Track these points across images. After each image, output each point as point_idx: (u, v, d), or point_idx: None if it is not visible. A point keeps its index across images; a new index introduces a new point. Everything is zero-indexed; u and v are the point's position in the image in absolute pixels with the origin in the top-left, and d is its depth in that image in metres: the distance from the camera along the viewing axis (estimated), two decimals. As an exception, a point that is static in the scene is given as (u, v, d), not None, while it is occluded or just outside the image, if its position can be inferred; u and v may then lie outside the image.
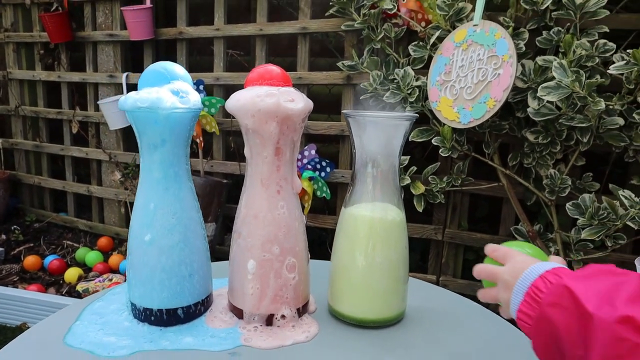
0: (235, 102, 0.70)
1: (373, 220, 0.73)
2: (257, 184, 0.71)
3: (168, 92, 0.68)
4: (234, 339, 0.69)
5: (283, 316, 0.72)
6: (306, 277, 0.76)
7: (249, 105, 0.67)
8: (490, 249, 0.60)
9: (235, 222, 0.75)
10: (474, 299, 0.92)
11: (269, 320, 0.72)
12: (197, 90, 2.04)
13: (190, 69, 2.29)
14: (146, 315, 0.72)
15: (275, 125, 0.68)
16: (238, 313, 0.74)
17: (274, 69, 0.73)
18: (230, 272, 0.75)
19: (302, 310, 0.75)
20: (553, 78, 1.30)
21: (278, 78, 0.72)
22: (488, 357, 0.70)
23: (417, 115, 0.74)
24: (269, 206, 0.70)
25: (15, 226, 2.80)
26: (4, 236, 2.70)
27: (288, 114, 0.68)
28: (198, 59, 2.47)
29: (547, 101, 1.36)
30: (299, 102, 0.69)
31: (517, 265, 0.53)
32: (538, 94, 1.26)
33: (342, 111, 0.75)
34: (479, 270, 0.59)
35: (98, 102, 2.36)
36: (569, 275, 0.47)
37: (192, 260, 0.72)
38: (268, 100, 0.67)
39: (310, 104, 0.71)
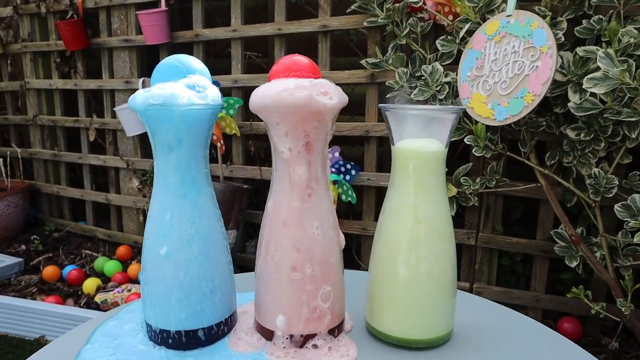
0: (259, 97, 0.61)
1: (417, 215, 0.65)
2: (285, 184, 0.63)
3: (183, 86, 0.60)
4: (261, 365, 0.61)
5: (315, 345, 0.63)
6: (341, 296, 0.67)
7: (276, 102, 0.59)
8: None
9: (260, 232, 0.66)
10: (516, 307, 0.83)
11: (302, 343, 0.64)
12: (215, 93, 1.98)
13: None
14: (163, 338, 0.64)
15: (306, 120, 0.60)
16: (266, 334, 0.65)
17: (302, 59, 0.64)
18: (256, 289, 0.67)
19: (337, 331, 0.67)
20: (595, 70, 1.20)
21: (307, 69, 0.63)
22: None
23: (464, 107, 0.65)
24: (300, 215, 0.62)
25: (34, 236, 2.77)
26: (23, 246, 2.67)
27: (321, 110, 0.59)
28: (215, 62, 2.41)
29: (590, 95, 1.26)
30: (333, 96, 0.60)
31: None
32: (584, 86, 1.16)
33: (379, 105, 0.67)
34: None
35: (114, 109, 2.32)
36: None
37: (213, 275, 0.64)
38: (298, 93, 0.59)
39: (345, 98, 0.63)
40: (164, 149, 0.62)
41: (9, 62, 2.88)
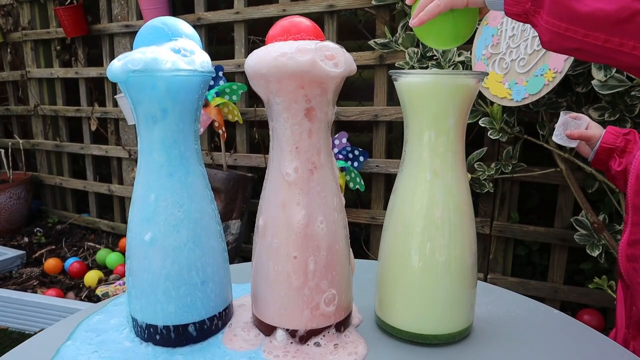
0: (254, 62, 0.54)
1: (433, 196, 0.57)
2: (286, 152, 0.55)
3: (167, 50, 0.53)
4: (259, 365, 0.54)
5: (318, 343, 0.56)
6: (348, 288, 0.60)
7: (274, 69, 0.52)
8: None
9: (257, 215, 0.59)
10: (532, 299, 0.76)
11: (304, 340, 0.57)
12: (216, 77, 1.90)
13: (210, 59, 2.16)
14: (150, 334, 0.58)
15: (307, 88, 0.52)
16: (265, 329, 0.59)
17: (303, 20, 0.57)
18: (253, 278, 0.60)
19: (344, 326, 0.60)
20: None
21: (308, 32, 0.56)
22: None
23: (487, 73, 0.58)
24: (303, 195, 0.54)
25: (38, 228, 2.73)
26: (26, 239, 2.63)
27: (323, 78, 0.52)
28: (218, 48, 2.34)
29: (616, 72, 1.17)
30: (340, 63, 0.53)
31: None
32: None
33: (390, 71, 0.59)
34: None
35: (115, 97, 2.26)
36: None
37: (204, 263, 0.57)
38: (300, 57, 0.51)
39: (353, 66, 0.55)
40: (148, 121, 0.55)
41: (9, 51, 2.82)
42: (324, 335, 0.57)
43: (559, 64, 1.19)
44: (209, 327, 0.59)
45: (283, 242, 0.55)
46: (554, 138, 1.03)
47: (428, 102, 0.56)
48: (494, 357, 0.58)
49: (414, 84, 0.56)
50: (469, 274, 0.60)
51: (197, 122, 0.59)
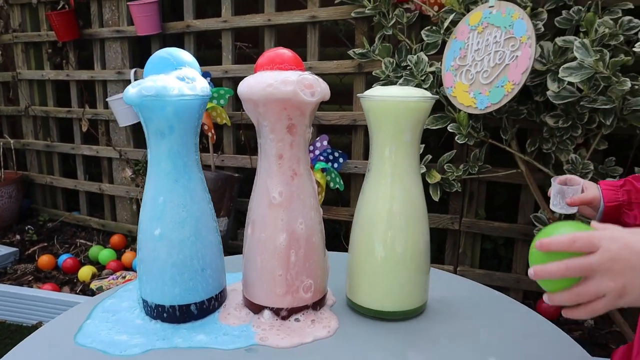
0: (247, 90, 0.66)
1: (393, 198, 0.70)
2: (272, 163, 0.68)
3: (174, 78, 0.65)
4: (247, 337, 0.66)
5: (297, 319, 0.69)
6: (324, 273, 0.73)
7: (262, 96, 0.64)
8: (556, 243, 0.49)
9: (247, 213, 0.71)
10: (498, 289, 0.89)
11: (286, 317, 0.69)
12: (206, 83, 2.01)
13: (198, 63, 2.26)
14: (158, 312, 0.69)
15: (289, 110, 0.65)
16: (254, 308, 0.71)
17: (286, 52, 0.69)
18: (244, 266, 0.72)
19: (319, 305, 0.72)
20: (574, 59, 1.25)
21: (290, 62, 0.68)
22: (514, 347, 0.67)
23: (437, 97, 0.70)
24: (287, 195, 0.67)
25: (29, 226, 2.80)
26: (18, 236, 2.70)
27: (300, 105, 0.65)
28: (206, 53, 2.44)
29: (568, 83, 1.31)
30: (316, 91, 0.65)
31: (619, 242, 0.47)
32: (559, 75, 1.21)
33: (358, 94, 0.72)
34: (557, 268, 0.48)
35: (107, 100, 2.35)
36: None
37: (204, 254, 0.69)
38: (284, 88, 0.63)
39: (327, 93, 0.68)
40: (157, 136, 0.66)
41: None
42: (303, 313, 0.70)
43: (516, 77, 1.33)
44: (207, 307, 0.71)
45: (269, 237, 0.67)
46: (552, 208, 0.93)
47: (388, 121, 0.68)
48: (443, 329, 0.71)
49: (376, 106, 0.69)
50: (423, 261, 0.73)
51: (197, 136, 0.71)
